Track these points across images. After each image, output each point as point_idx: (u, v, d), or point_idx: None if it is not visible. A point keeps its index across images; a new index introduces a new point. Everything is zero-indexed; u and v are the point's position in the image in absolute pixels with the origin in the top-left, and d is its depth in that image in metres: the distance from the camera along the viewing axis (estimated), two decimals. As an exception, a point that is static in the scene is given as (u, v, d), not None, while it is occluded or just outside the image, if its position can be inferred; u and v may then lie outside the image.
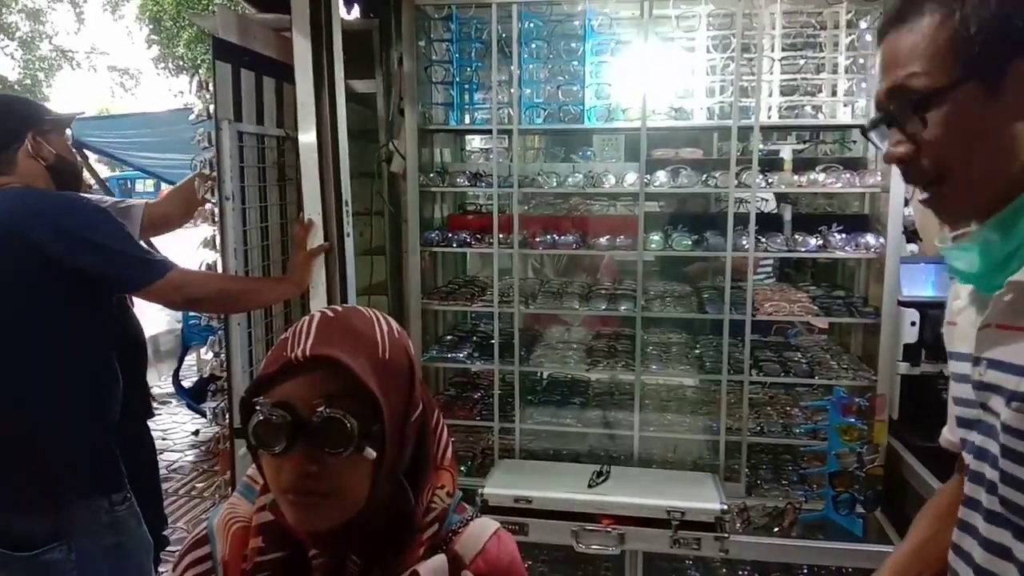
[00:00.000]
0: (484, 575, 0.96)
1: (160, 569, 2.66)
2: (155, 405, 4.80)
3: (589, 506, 2.36)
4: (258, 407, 0.86)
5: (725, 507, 2.29)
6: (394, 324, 0.98)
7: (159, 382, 6.18)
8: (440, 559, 0.94)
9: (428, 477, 0.98)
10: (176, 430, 5.82)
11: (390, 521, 0.94)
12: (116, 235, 1.86)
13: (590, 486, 2.44)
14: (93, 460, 1.86)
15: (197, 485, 4.84)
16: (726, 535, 2.27)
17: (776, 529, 2.37)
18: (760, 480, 2.62)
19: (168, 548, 2.95)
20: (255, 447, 0.87)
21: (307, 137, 2.27)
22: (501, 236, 2.68)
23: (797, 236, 2.58)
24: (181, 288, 1.93)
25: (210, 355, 2.43)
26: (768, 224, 2.64)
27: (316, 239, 2.26)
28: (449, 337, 3.00)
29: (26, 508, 1.79)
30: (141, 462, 2.37)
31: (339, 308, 0.98)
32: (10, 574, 1.82)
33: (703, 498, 2.35)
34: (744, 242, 2.51)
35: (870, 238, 2.51)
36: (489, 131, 2.67)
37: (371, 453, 0.86)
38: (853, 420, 2.39)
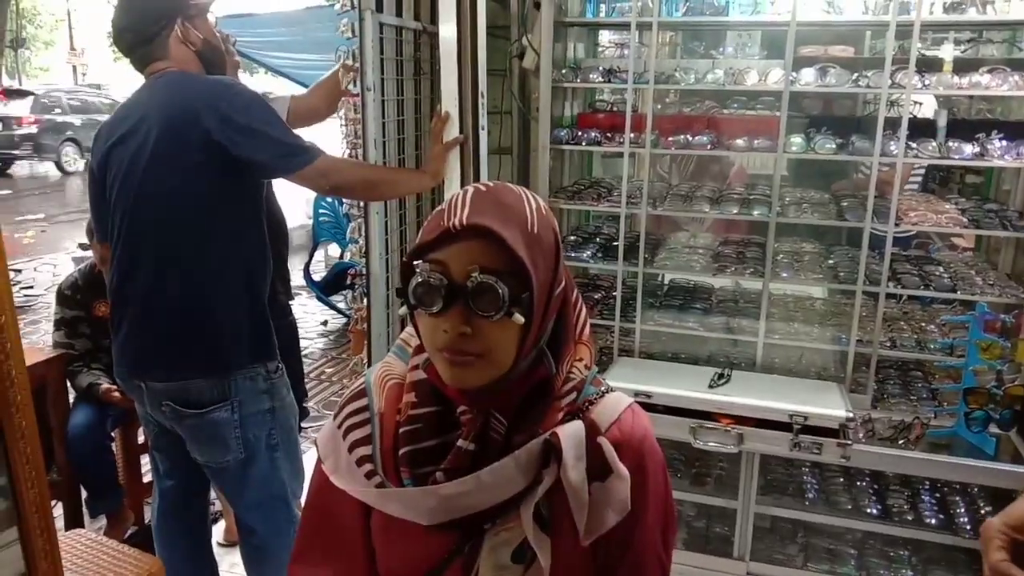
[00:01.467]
0: (618, 443, 1.00)
1: (302, 436, 2.90)
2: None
3: (709, 404, 2.38)
4: (418, 269, 0.92)
5: (850, 414, 2.26)
6: (541, 202, 1.01)
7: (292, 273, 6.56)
8: (577, 424, 0.98)
9: (568, 349, 1.03)
10: (306, 319, 6.19)
11: (532, 386, 0.99)
12: (272, 122, 1.96)
13: (711, 387, 2.45)
14: (253, 331, 2.03)
15: (327, 370, 5.18)
16: (849, 442, 2.25)
17: (901, 442, 2.33)
18: (887, 394, 2.55)
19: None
20: (414, 307, 0.93)
21: (447, 29, 2.29)
22: (632, 136, 2.64)
23: (951, 143, 2.42)
24: (328, 175, 2.02)
25: (337, 251, 2.56)
26: (919, 130, 2.48)
27: (452, 132, 2.31)
28: (572, 237, 3.03)
29: (199, 373, 1.98)
30: (286, 338, 2.55)
31: (490, 183, 1.01)
32: (183, 428, 2.05)
33: (828, 404, 2.32)
34: (893, 147, 2.38)
35: (1035, 147, 2.32)
36: (627, 25, 2.60)
37: (519, 319, 0.91)
38: (995, 337, 2.28)
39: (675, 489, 1.09)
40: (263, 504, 2.12)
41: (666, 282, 3.14)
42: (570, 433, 0.96)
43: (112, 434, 3.04)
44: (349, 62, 2.40)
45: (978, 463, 2.23)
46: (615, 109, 3.07)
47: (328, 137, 2.72)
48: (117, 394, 2.77)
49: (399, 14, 2.59)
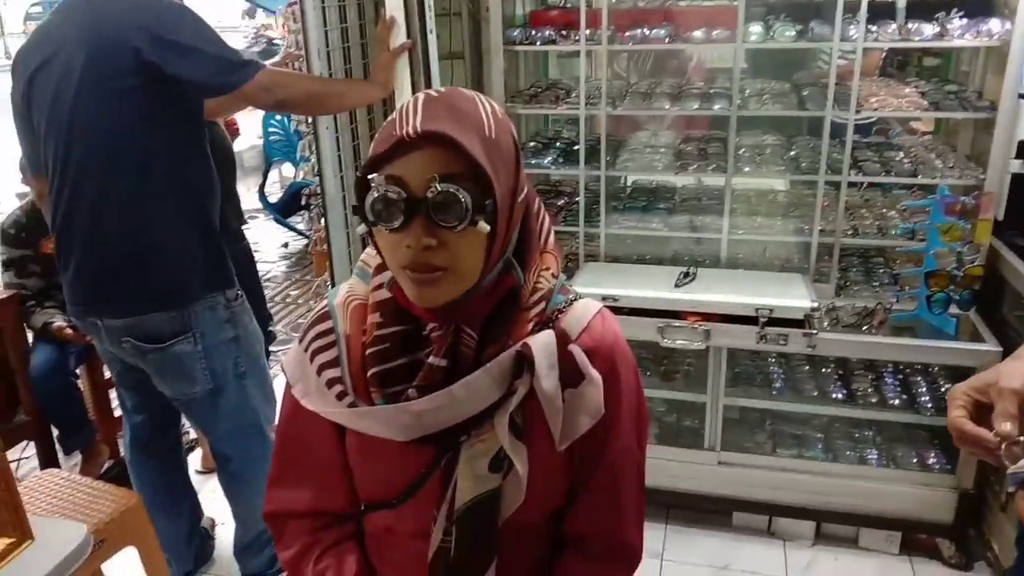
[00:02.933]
0: (589, 349, 0.99)
1: (270, 361, 2.87)
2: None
3: (675, 304, 2.40)
4: (374, 184, 0.87)
5: (815, 304, 2.30)
6: (496, 106, 0.96)
7: (245, 197, 6.39)
8: (548, 334, 0.97)
9: (534, 259, 1.00)
10: (266, 243, 6.08)
11: (501, 298, 0.97)
12: (207, 37, 1.84)
13: (677, 286, 2.46)
14: (207, 259, 1.97)
15: (291, 292, 5.12)
16: (814, 331, 2.29)
17: (865, 328, 2.37)
18: (850, 282, 2.59)
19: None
20: (373, 224, 0.89)
21: (386, -75, 2.15)
22: (588, 32, 2.54)
23: (911, 24, 2.37)
24: (270, 89, 1.92)
25: (291, 171, 2.48)
26: (879, 13, 2.42)
27: (399, 38, 2.20)
28: (532, 144, 2.96)
29: (156, 306, 1.92)
30: (242, 264, 2.49)
31: (442, 89, 0.96)
32: (147, 364, 2.01)
33: (792, 296, 2.35)
34: (852, 31, 2.33)
35: (995, 23, 2.28)
36: (576, -87, 2.46)
37: (484, 227, 0.87)
38: (955, 219, 2.30)
39: (645, 387, 1.10)
40: (237, 433, 2.12)
41: (629, 184, 3.10)
42: (541, 343, 0.95)
43: (77, 371, 3.00)
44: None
45: (939, 343, 2.29)
46: (568, 5, 2.96)
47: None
48: (70, 331, 2.70)
49: (336, -87, 2.42)
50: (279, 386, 1.06)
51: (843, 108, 2.40)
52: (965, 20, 2.32)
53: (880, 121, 3.00)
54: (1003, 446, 0.93)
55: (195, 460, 3.09)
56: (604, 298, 2.40)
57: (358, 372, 0.99)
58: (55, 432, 2.94)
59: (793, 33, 2.41)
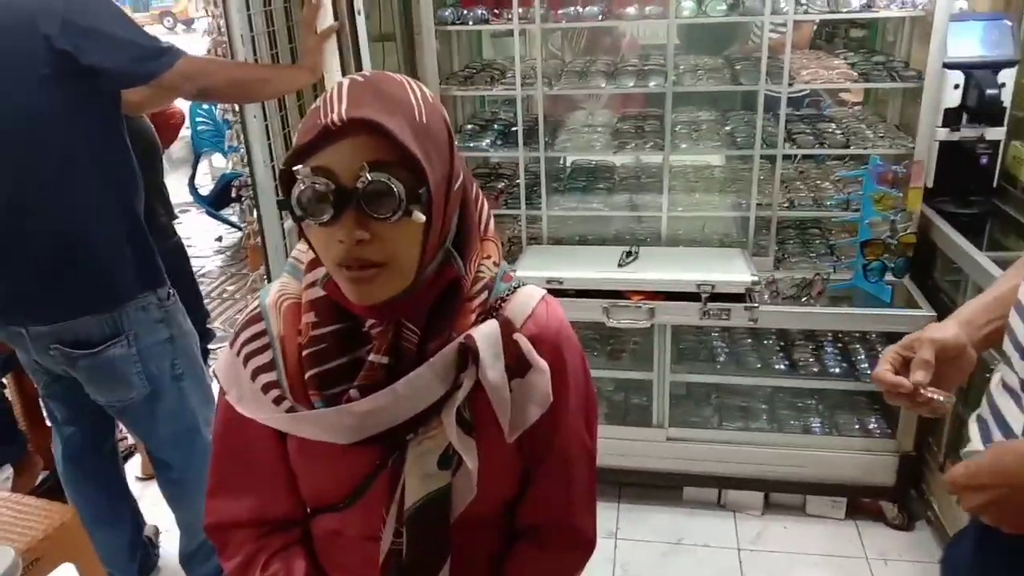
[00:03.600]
0: (534, 337, 0.97)
1: (209, 360, 2.78)
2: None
3: (619, 284, 2.40)
4: (299, 176, 0.82)
5: (755, 278, 2.32)
6: (426, 89, 0.92)
7: (176, 191, 6.19)
8: (492, 324, 0.95)
9: (474, 247, 0.97)
10: (199, 237, 5.90)
11: (442, 290, 0.94)
12: (121, 22, 1.74)
13: (620, 266, 2.46)
14: (136, 257, 1.88)
15: (228, 288, 4.98)
16: (756, 305, 2.32)
17: (804, 299, 2.41)
18: (788, 255, 2.62)
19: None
20: (301, 218, 0.85)
21: (307, -98, 2.07)
22: (520, 11, 2.50)
23: (839, -5, 2.39)
24: (192, 77, 1.83)
25: (223, 162, 2.39)
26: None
27: (325, 21, 2.12)
28: (469, 126, 2.91)
29: (85, 309, 1.83)
30: (174, 261, 2.39)
31: (367, 73, 0.92)
32: (78, 371, 1.91)
33: (733, 271, 2.38)
34: (783, 4, 2.34)
35: (919, -6, 2.33)
36: None
37: (420, 217, 0.84)
38: (888, 188, 2.35)
39: (593, 367, 1.09)
40: (176, 437, 2.04)
41: (568, 165, 3.09)
42: (485, 333, 0.93)
43: (3, 380, 2.85)
44: None
45: (876, 311, 2.34)
46: (500, -17, 2.90)
47: (189, 40, 2.48)
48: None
49: None
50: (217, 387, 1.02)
51: (776, 82, 2.42)
52: (892, -9, 2.36)
53: (812, 93, 3.05)
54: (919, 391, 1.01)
55: (134, 467, 2.98)
56: (548, 281, 2.39)
57: (295, 375, 0.95)
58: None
59: (725, 8, 2.40)
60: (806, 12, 2.38)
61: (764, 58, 2.40)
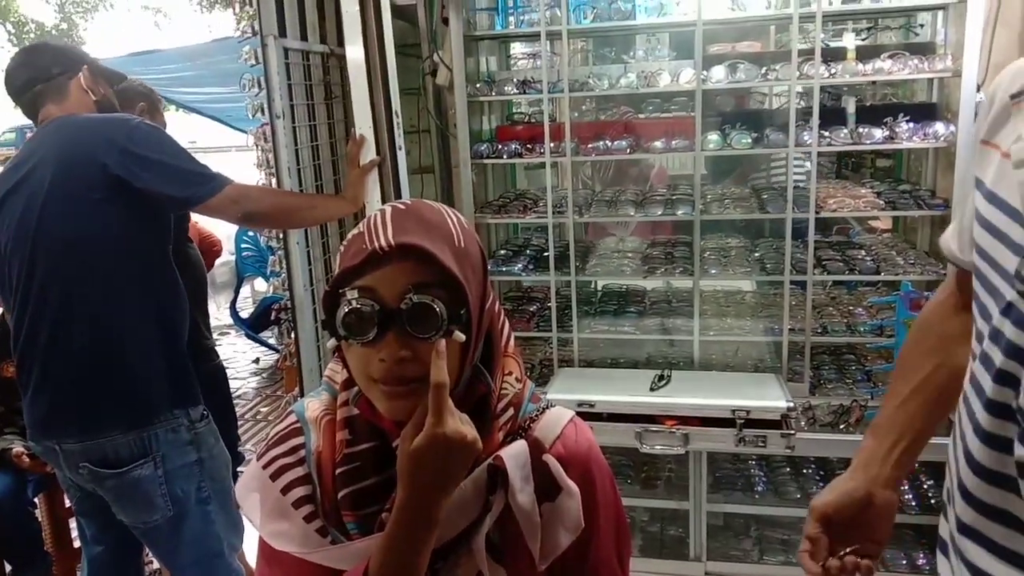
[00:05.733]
0: (564, 459, 0.96)
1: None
2: (215, 336, 4.96)
3: (652, 408, 2.37)
4: (346, 297, 0.86)
5: (791, 404, 2.28)
6: (461, 216, 0.97)
7: (216, 314, 6.34)
8: (521, 444, 0.94)
9: (498, 364, 0.98)
10: (237, 359, 5.99)
11: (470, 409, 0.94)
12: (174, 151, 1.87)
13: (652, 389, 2.44)
14: (171, 378, 1.91)
15: (262, 409, 5.00)
16: (792, 432, 2.27)
17: (842, 426, 2.36)
18: (823, 380, 2.59)
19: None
20: (344, 338, 0.87)
21: (354, 50, 2.24)
22: (552, 145, 2.62)
23: (861, 129, 2.47)
24: (238, 202, 1.93)
25: (264, 286, 2.47)
26: (830, 118, 2.53)
27: (368, 155, 2.25)
28: (502, 252, 2.99)
29: (114, 428, 1.85)
30: (212, 383, 2.43)
31: (408, 201, 0.97)
32: (105, 491, 1.92)
33: (768, 397, 2.34)
34: (807, 137, 2.42)
35: (939, 126, 2.39)
36: (537, 35, 2.58)
37: (460, 336, 0.86)
38: (921, 315, 2.34)
39: (626, 495, 1.07)
40: (200, 562, 2.00)
41: (599, 288, 3.13)
42: (514, 454, 0.92)
43: (35, 500, 2.86)
44: (254, 91, 2.32)
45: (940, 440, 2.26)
46: (533, 120, 3.06)
47: (241, 168, 2.63)
48: (27, 458, 2.59)
49: (304, 38, 2.52)
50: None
51: (802, 210, 2.47)
52: (912, 124, 2.43)
53: (840, 220, 3.09)
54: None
55: (157, 593, 2.92)
56: (580, 403, 2.38)
57: (328, 492, 0.94)
58: (7, 566, 2.77)
59: (750, 141, 2.50)
60: (829, 144, 2.46)
61: (790, 188, 2.46)
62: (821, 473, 2.62)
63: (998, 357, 0.82)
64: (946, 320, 1.13)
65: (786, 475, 2.63)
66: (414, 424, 0.85)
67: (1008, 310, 0.81)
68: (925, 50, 2.53)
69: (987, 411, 0.83)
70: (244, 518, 1.01)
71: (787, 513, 2.55)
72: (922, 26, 2.78)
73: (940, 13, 2.57)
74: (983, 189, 0.91)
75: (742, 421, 2.28)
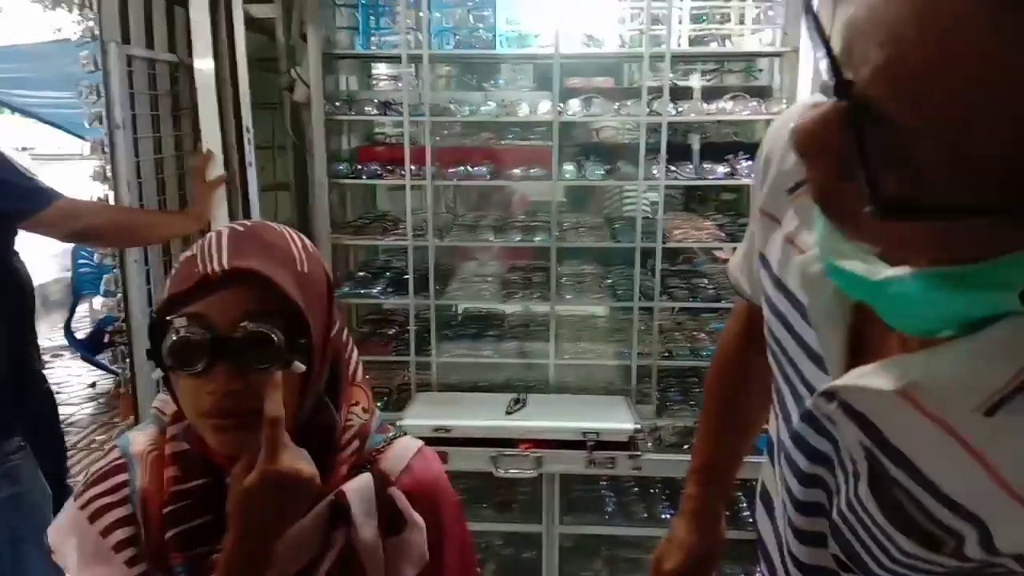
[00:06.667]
0: (410, 491, 0.96)
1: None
2: (46, 359, 4.56)
3: (507, 432, 2.39)
4: (174, 325, 0.81)
5: (638, 426, 2.36)
6: (306, 239, 0.95)
7: (49, 335, 5.86)
8: (365, 478, 0.93)
9: (345, 395, 0.97)
10: (71, 383, 5.54)
11: (313, 442, 0.92)
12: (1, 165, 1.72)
13: (508, 413, 2.46)
14: None
15: (97, 438, 4.65)
16: (639, 453, 2.35)
17: (686, 447, 2.47)
18: (669, 402, 2.70)
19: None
20: (172, 368, 0.83)
21: (203, 63, 2.15)
22: (413, 168, 2.61)
23: (705, 165, 2.63)
24: (69, 218, 1.81)
25: (101, 305, 2.31)
26: (677, 154, 2.67)
27: (216, 171, 2.15)
28: (361, 273, 2.94)
29: None
30: (37, 411, 2.23)
31: (247, 222, 0.94)
32: None
33: (617, 419, 2.41)
34: (655, 171, 2.54)
35: (774, 166, 2.58)
36: (398, 57, 2.58)
37: (299, 367, 0.84)
38: (758, 341, 2.49)
39: (481, 519, 1.08)
40: (11, 609, 1.83)
41: (459, 312, 3.13)
42: (357, 487, 0.90)
43: None
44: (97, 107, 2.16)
45: (754, 459, 2.40)
46: (395, 142, 3.04)
47: (83, 178, 2.44)
48: None
49: (150, 46, 2.38)
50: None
51: (650, 240, 2.58)
52: (750, 162, 2.61)
53: (686, 250, 3.26)
54: None
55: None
56: (436, 428, 2.36)
57: (155, 532, 0.89)
58: None
59: (603, 172, 2.59)
60: (675, 178, 2.59)
61: (639, 218, 2.57)
62: (667, 492, 2.73)
63: (802, 461, 0.81)
64: (743, 355, 1.16)
65: (634, 495, 2.72)
66: (246, 462, 0.81)
67: (806, 417, 0.79)
68: (763, 93, 2.72)
69: (797, 511, 0.83)
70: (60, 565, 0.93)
71: (635, 533, 2.63)
72: (761, 71, 3.00)
73: (777, 60, 2.78)
74: (770, 271, 0.87)
75: (592, 443, 2.34)
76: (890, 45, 0.50)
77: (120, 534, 0.89)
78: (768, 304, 0.88)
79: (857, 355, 0.72)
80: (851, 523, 0.75)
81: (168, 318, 0.82)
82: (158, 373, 0.85)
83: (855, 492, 0.73)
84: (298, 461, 0.82)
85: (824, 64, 0.55)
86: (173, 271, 0.89)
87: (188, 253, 0.87)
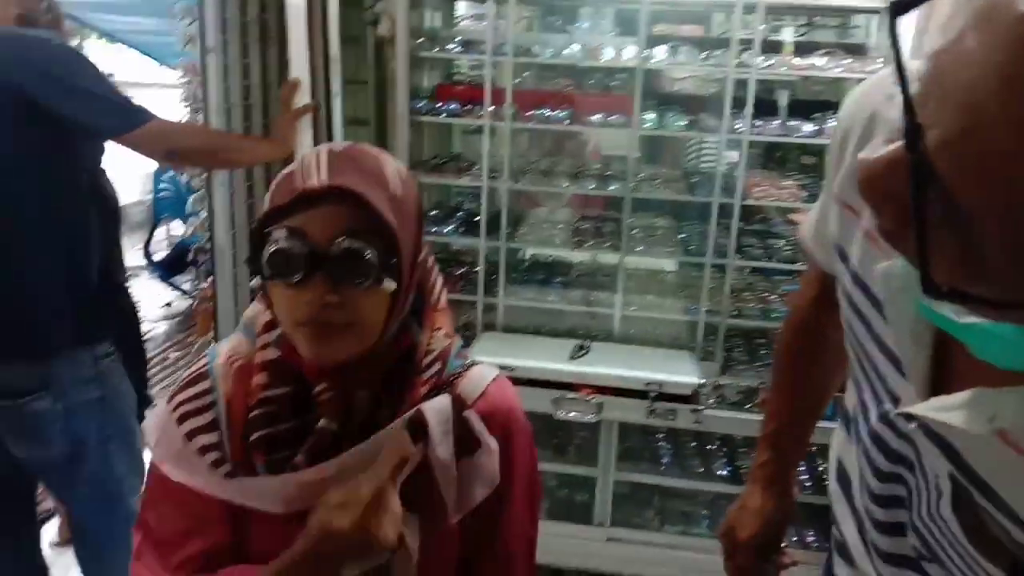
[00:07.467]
0: (485, 416, 0.98)
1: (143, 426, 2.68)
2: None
3: (570, 376, 2.42)
4: (273, 236, 0.84)
5: (702, 381, 2.36)
6: (401, 164, 0.96)
7: (128, 255, 6.08)
8: (444, 399, 0.94)
9: (429, 318, 0.99)
10: (147, 303, 5.77)
11: (396, 359, 0.94)
12: (98, 78, 1.77)
13: (571, 358, 2.49)
14: (76, 312, 1.83)
15: (172, 355, 4.86)
16: (701, 408, 2.35)
17: (748, 407, 2.45)
18: (735, 361, 2.68)
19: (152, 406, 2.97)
20: (270, 277, 0.85)
21: (295, -10, 2.16)
22: (492, 109, 2.60)
23: (792, 122, 2.55)
24: (162, 137, 1.85)
25: (180, 230, 2.39)
26: (762, 109, 2.60)
27: (302, 100, 2.18)
28: (433, 212, 2.97)
29: (12, 357, 1.77)
30: (122, 323, 2.34)
31: (345, 143, 0.95)
32: (0, 421, 1.83)
33: (681, 372, 2.41)
34: (739, 125, 2.48)
35: (864, 126, 2.48)
36: (484, -4, 2.55)
37: (391, 285, 0.85)
38: (831, 305, 2.44)
39: (538, 460, 1.09)
40: (97, 503, 1.94)
41: (527, 257, 3.15)
42: (436, 408, 0.92)
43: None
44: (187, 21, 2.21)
45: (821, 424, 2.38)
46: (473, 82, 3.03)
47: (165, 107, 2.52)
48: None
49: (243, -29, 2.41)
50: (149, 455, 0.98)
51: (728, 196, 2.53)
52: (838, 122, 2.51)
53: (764, 210, 3.19)
54: None
55: (51, 530, 2.82)
56: (501, 367, 2.37)
57: (238, 438, 0.93)
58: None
59: (684, 123, 2.54)
60: (759, 133, 2.52)
61: (719, 172, 2.52)
62: (725, 450, 2.73)
63: (880, 460, 0.78)
64: (817, 322, 1.11)
65: (692, 449, 2.73)
66: (343, 494, 0.83)
67: (884, 419, 0.77)
68: (858, 51, 2.62)
69: (875, 503, 0.81)
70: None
71: (690, 486, 2.65)
72: (857, 27, 2.87)
73: (874, 17, 2.66)
74: (848, 265, 0.84)
75: (654, 394, 2.35)
76: (966, 114, 0.43)
77: (203, 439, 0.93)
78: (845, 297, 0.85)
79: (940, 366, 0.69)
80: (934, 534, 0.72)
81: (268, 230, 0.85)
82: (256, 282, 0.89)
83: (937, 508, 0.70)
84: (390, 527, 0.83)
85: (899, 99, 0.48)
86: (274, 185, 0.91)
87: (288, 169, 0.90)
